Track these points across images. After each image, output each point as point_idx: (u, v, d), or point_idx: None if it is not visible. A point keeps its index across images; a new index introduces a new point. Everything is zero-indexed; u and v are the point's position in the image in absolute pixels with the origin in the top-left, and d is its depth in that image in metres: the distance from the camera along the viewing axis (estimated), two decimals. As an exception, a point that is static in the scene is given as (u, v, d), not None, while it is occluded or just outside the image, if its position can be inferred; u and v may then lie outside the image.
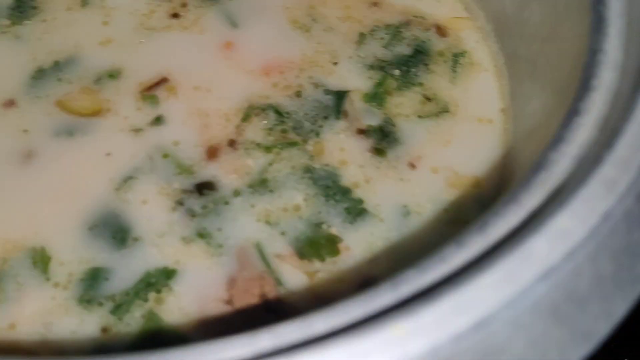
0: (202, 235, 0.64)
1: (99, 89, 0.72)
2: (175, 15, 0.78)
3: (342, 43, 0.77)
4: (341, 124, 0.71)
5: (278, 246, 0.64)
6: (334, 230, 0.65)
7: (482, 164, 0.69)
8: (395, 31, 0.77)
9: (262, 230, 0.65)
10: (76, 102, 0.71)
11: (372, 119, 0.71)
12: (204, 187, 0.66)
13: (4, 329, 0.58)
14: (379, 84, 0.73)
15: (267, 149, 0.69)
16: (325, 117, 0.71)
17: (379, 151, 0.69)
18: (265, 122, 0.70)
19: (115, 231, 0.63)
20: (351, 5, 0.80)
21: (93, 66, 0.74)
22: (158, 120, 0.70)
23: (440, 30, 0.78)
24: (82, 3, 0.79)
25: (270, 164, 0.68)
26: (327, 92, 0.73)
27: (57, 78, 0.73)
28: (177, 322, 0.59)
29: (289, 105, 0.72)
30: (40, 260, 0.61)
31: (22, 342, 0.57)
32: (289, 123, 0.70)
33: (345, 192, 0.67)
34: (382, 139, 0.70)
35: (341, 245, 0.65)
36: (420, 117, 0.71)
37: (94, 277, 0.61)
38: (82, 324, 0.59)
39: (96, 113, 0.71)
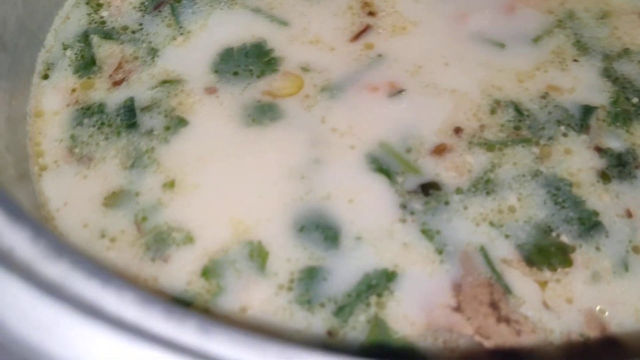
0: (425, 232, 0.60)
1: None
2: (371, 14, 0.75)
3: (595, 46, 0.73)
4: (582, 136, 0.66)
5: (503, 250, 0.60)
6: (564, 239, 0.60)
7: None
8: None
9: (484, 233, 0.60)
10: (279, 82, 0.69)
11: (616, 142, 0.66)
12: (430, 187, 0.62)
13: (236, 312, 0.56)
14: (615, 102, 0.68)
15: (490, 146, 0.64)
16: (564, 124, 0.67)
17: (604, 175, 0.64)
18: (503, 116, 0.67)
19: (328, 228, 0.60)
20: (611, 11, 0.76)
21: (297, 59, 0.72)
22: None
23: None
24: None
25: (493, 163, 0.63)
26: (575, 103, 0.68)
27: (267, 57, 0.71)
28: (404, 330, 0.56)
29: (530, 104, 0.68)
30: (259, 255, 0.59)
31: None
32: (525, 122, 0.66)
33: (578, 202, 0.62)
34: (616, 166, 0.64)
35: (573, 256, 0.59)
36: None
37: (312, 277, 0.58)
38: (308, 326, 0.56)
39: (294, 93, 0.68)
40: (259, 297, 0.57)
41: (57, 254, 0.42)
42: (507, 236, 0.60)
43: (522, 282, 0.58)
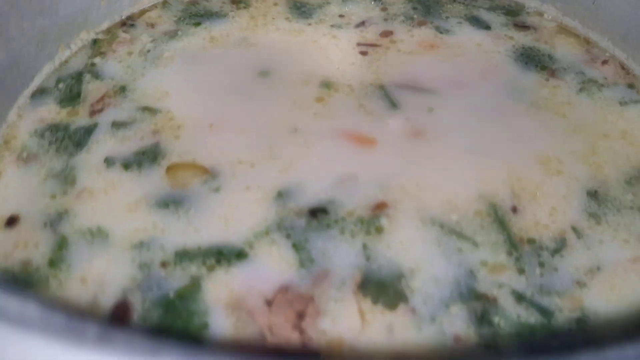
0: (295, 246, 0.62)
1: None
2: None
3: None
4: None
5: (352, 273, 0.59)
6: (408, 292, 0.58)
7: None
8: None
9: (354, 255, 0.61)
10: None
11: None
12: (319, 212, 0.64)
13: (76, 280, 0.59)
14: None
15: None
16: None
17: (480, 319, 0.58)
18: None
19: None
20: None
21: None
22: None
23: None
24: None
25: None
26: None
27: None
28: (215, 293, 0.58)
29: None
30: (98, 235, 0.63)
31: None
32: None
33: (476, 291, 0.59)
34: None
35: (402, 307, 0.57)
36: None
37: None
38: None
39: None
40: (100, 264, 0.61)
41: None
42: (368, 258, 0.60)
43: (348, 304, 0.57)
